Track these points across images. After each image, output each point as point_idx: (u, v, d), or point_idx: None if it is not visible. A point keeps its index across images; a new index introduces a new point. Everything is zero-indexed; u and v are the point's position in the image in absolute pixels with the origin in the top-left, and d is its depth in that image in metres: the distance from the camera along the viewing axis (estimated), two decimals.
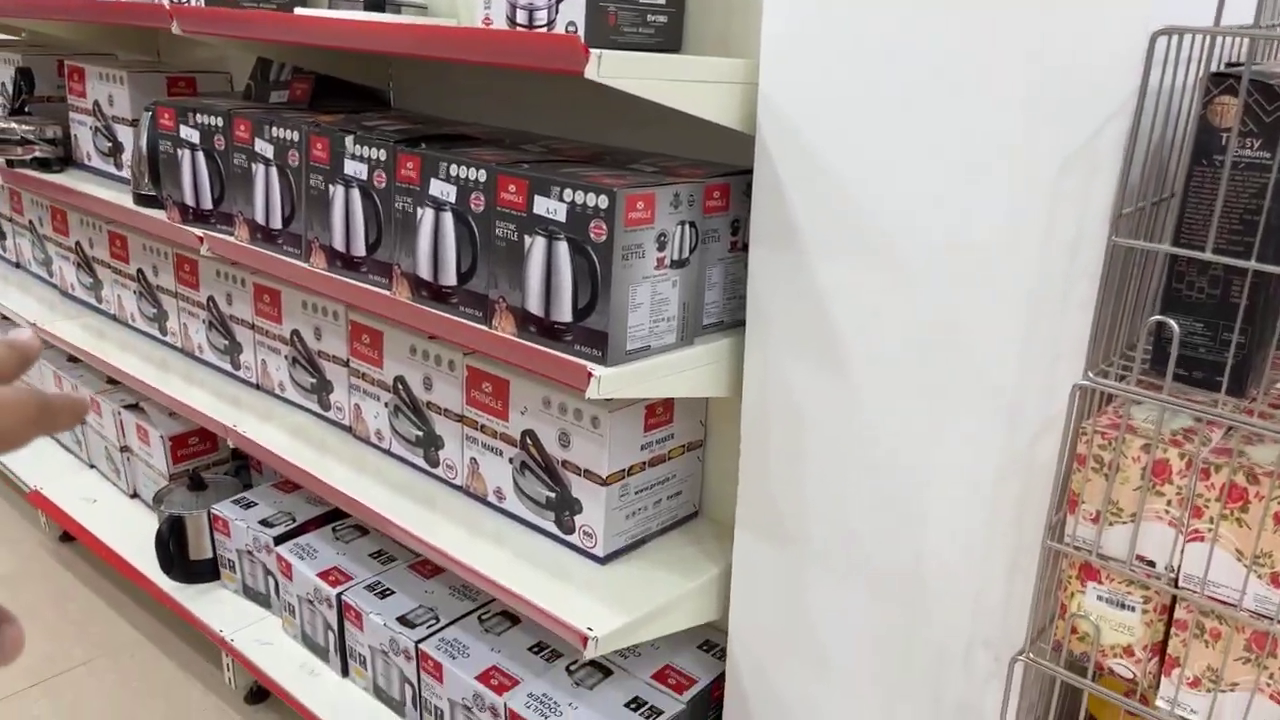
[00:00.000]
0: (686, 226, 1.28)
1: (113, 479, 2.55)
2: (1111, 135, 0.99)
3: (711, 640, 1.69)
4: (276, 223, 1.67)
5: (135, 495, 2.50)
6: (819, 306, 1.23)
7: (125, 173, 2.24)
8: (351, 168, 1.50)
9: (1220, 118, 0.83)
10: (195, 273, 2.15)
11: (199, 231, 1.79)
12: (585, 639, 1.31)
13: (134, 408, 2.41)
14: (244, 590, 2.09)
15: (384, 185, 1.45)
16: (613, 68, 1.08)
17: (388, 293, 1.48)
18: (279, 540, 1.96)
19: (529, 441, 1.53)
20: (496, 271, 1.32)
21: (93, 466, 2.65)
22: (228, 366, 2.14)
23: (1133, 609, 0.97)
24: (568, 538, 1.51)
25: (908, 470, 1.20)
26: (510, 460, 1.57)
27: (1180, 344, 0.89)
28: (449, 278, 1.38)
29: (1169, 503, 0.92)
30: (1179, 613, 0.94)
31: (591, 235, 1.19)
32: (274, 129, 1.62)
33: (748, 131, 1.27)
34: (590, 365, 1.21)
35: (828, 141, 1.18)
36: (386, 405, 1.77)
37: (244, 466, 2.43)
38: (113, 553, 2.26)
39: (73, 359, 2.71)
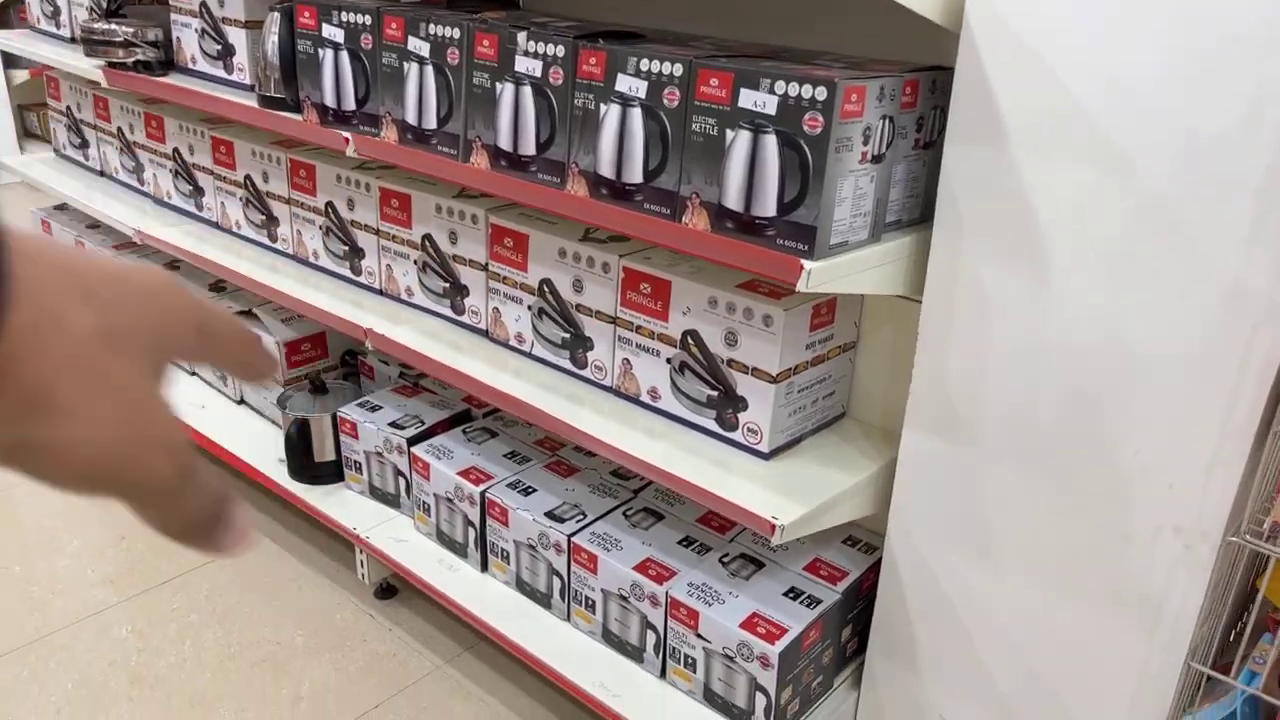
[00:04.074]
0: (887, 121, 1.29)
1: (218, 385, 2.59)
2: None
3: (854, 536, 1.74)
4: (430, 123, 1.67)
5: (243, 401, 2.54)
6: (1020, 203, 1.24)
7: (237, 76, 2.22)
8: (524, 65, 1.49)
9: None
10: (312, 178, 2.15)
11: (344, 133, 1.79)
12: (773, 526, 1.36)
13: (246, 314, 2.44)
14: (370, 490, 2.14)
15: (561, 82, 1.45)
16: None
17: (563, 190, 1.49)
18: (413, 441, 2.01)
19: (690, 341, 1.56)
20: (690, 167, 1.32)
21: (194, 374, 2.69)
22: (346, 272, 2.16)
23: None
24: (729, 434, 1.55)
25: (1107, 365, 1.23)
26: (668, 360, 1.60)
27: None
28: (634, 175, 1.39)
29: None
30: None
31: (805, 128, 1.20)
32: (431, 26, 1.61)
33: (949, 26, 1.27)
34: (798, 258, 1.23)
35: (1042, 35, 1.18)
36: (530, 308, 1.79)
37: (354, 372, 2.46)
38: (234, 456, 2.31)
39: (170, 267, 2.72)
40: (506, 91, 1.53)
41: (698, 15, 1.75)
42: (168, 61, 2.38)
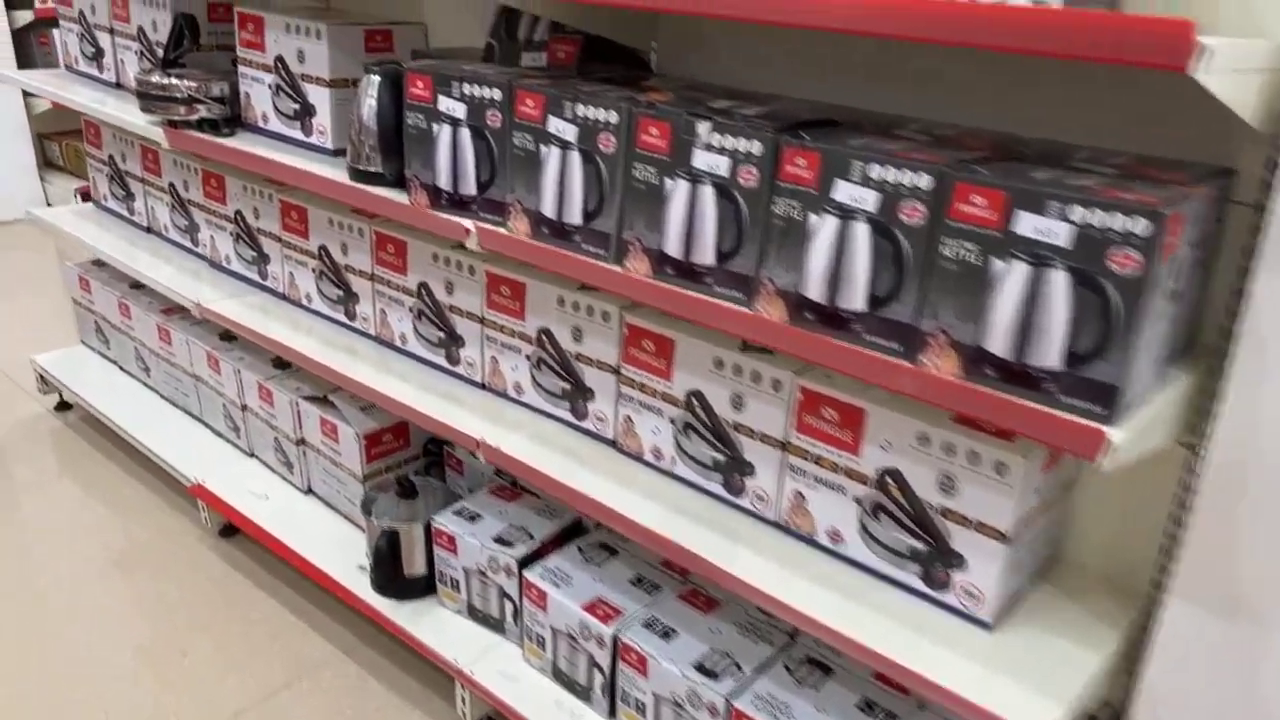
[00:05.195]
0: (1190, 248, 1.04)
1: (282, 472, 2.35)
2: None
3: None
4: (574, 217, 1.42)
5: (310, 491, 2.29)
6: None
7: (316, 139, 1.99)
8: (705, 160, 1.25)
9: None
10: (403, 256, 1.91)
11: (467, 222, 1.55)
12: None
13: (319, 400, 2.19)
14: (469, 611, 1.89)
15: (755, 185, 1.21)
16: (1225, 61, 0.84)
17: (751, 311, 1.25)
18: (524, 563, 1.76)
19: (891, 482, 1.31)
20: (936, 299, 1.08)
21: (253, 455, 2.44)
22: (441, 361, 1.91)
23: None
24: (938, 595, 1.30)
25: None
26: (858, 500, 1.35)
27: None
28: (853, 301, 1.15)
29: None
30: None
31: (1113, 266, 0.95)
32: (580, 107, 1.37)
33: (1258, 125, 1.03)
34: (1098, 425, 0.98)
35: None
36: (673, 422, 1.55)
37: (437, 461, 2.22)
38: (305, 561, 2.06)
39: (226, 337, 2.48)
40: (679, 190, 1.29)
41: (870, 87, 1.51)
42: (234, 118, 2.14)
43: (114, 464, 2.69)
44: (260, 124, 2.10)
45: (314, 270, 2.14)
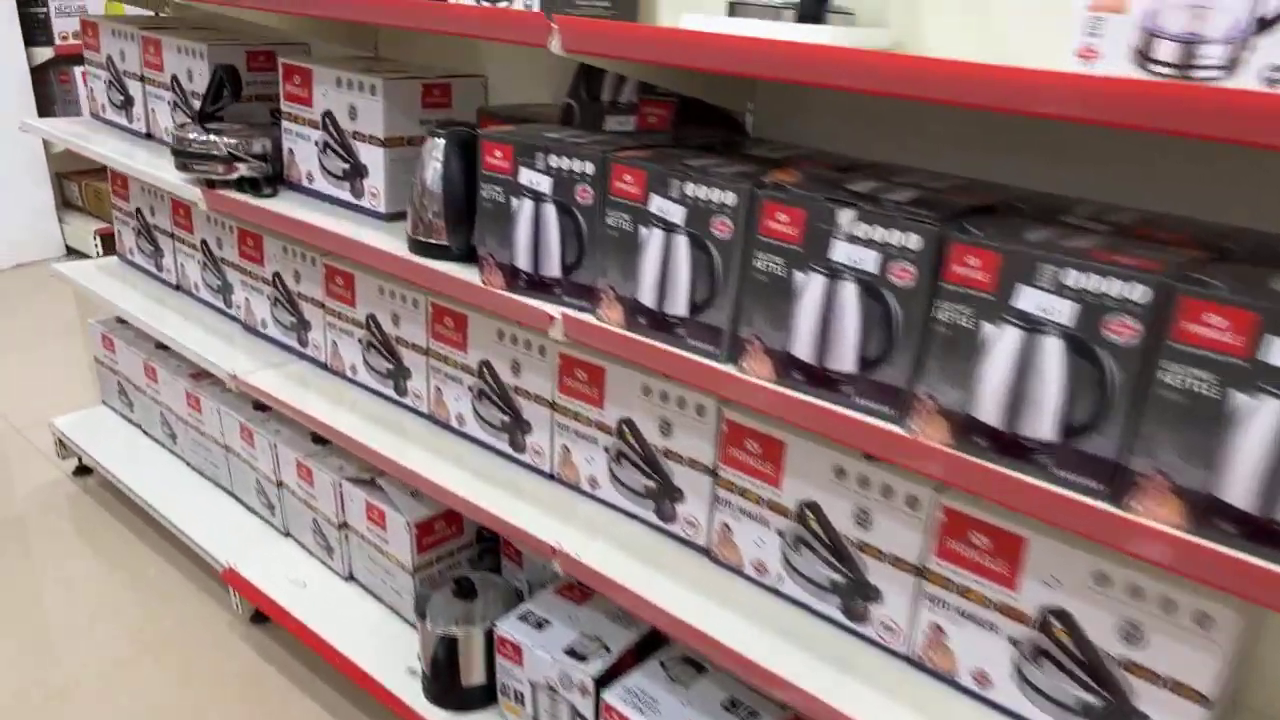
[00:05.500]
0: None
1: (321, 556, 2.16)
2: None
3: None
4: (678, 307, 1.25)
5: (352, 578, 2.11)
6: None
7: (368, 201, 1.82)
8: (847, 254, 1.07)
9: None
10: (463, 331, 1.74)
11: (551, 309, 1.37)
12: None
13: (365, 483, 2.01)
14: None
15: (911, 284, 1.03)
16: None
17: (902, 431, 1.07)
18: (601, 681, 1.57)
19: (1056, 624, 1.12)
20: (1152, 433, 0.90)
21: (289, 535, 2.26)
22: (504, 447, 1.73)
23: None
24: None
25: None
26: (1013, 640, 1.16)
27: None
28: (1042, 429, 0.97)
29: None
30: None
31: None
32: (689, 187, 1.20)
33: None
34: None
35: None
36: (781, 533, 1.37)
37: (491, 549, 2.03)
38: (348, 661, 1.87)
39: (261, 406, 2.31)
40: (813, 285, 1.11)
41: (1001, 158, 1.34)
42: (276, 176, 1.98)
43: (136, 537, 2.51)
44: (304, 183, 1.94)
45: (360, 340, 1.97)
